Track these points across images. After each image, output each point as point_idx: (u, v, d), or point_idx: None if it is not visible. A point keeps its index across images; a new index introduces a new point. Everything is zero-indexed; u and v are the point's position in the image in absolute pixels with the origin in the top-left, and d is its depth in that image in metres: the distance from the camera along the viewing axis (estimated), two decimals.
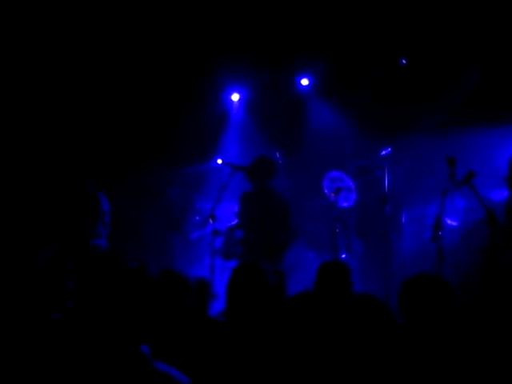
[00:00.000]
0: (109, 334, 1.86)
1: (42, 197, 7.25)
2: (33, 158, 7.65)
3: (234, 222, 6.81)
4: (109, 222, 6.32)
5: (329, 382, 2.54)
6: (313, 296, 2.59)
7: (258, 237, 6.18)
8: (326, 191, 7.38)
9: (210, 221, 6.09)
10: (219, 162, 8.21)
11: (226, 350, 3.14)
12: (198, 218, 8.10)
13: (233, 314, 3.41)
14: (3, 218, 6.87)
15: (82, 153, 7.82)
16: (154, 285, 3.29)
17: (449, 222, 6.53)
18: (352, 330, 3.16)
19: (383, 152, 6.80)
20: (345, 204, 7.36)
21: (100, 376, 1.81)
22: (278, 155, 7.10)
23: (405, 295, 2.98)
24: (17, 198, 7.28)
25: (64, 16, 7.44)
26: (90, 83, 7.99)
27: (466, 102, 7.39)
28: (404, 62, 7.93)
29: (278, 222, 6.19)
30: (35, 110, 7.76)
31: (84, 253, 5.65)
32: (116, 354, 1.83)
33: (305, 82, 8.65)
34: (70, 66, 7.82)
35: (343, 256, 7.25)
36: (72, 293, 3.08)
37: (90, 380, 1.82)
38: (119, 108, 8.23)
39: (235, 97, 8.99)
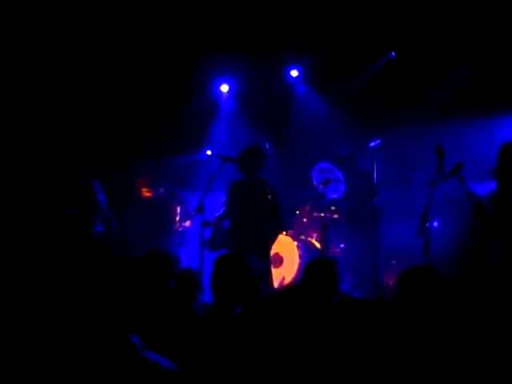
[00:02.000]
0: (98, 323, 1.86)
1: (32, 187, 7.22)
2: (24, 151, 7.61)
3: (222, 212, 6.81)
4: (106, 209, 6.31)
5: (317, 377, 2.55)
6: (299, 290, 2.58)
7: (246, 227, 6.19)
8: (314, 183, 7.39)
9: (199, 212, 6.10)
10: (208, 153, 8.19)
11: (212, 339, 3.14)
12: (186, 209, 8.08)
13: (218, 305, 3.41)
14: None
15: (73, 144, 7.79)
16: (138, 267, 3.28)
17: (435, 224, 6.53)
18: (338, 325, 3.18)
19: (372, 143, 6.81)
20: (333, 195, 7.38)
21: (90, 365, 1.82)
22: (267, 146, 7.10)
23: (402, 287, 2.98)
24: (6, 188, 7.25)
25: (56, 13, 7.39)
26: (78, 76, 7.93)
27: (455, 94, 7.42)
28: (394, 54, 7.95)
29: (266, 213, 6.21)
30: (22, 101, 7.70)
31: (78, 242, 5.61)
32: (106, 343, 1.84)
33: (294, 73, 8.64)
34: (60, 60, 7.76)
35: (342, 246, 7.30)
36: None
37: (80, 369, 1.83)
38: (108, 99, 8.18)
39: (224, 88, 8.98)
